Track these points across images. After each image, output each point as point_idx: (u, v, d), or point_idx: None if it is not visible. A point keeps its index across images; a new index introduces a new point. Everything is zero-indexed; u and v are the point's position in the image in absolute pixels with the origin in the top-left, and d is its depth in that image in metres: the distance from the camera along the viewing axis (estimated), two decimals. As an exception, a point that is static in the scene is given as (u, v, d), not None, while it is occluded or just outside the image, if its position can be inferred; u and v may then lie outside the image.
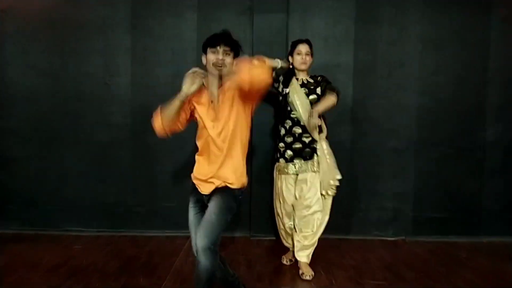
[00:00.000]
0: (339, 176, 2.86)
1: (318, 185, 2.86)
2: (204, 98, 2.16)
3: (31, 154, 3.70)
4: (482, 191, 3.61)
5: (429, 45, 3.55)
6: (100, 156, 3.69)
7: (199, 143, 2.22)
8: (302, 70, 2.93)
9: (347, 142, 3.58)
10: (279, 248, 3.24)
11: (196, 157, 2.26)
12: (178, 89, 3.50)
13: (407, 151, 3.60)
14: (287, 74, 2.94)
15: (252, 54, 3.53)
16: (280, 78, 2.95)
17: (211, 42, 2.08)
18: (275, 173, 3.07)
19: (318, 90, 2.91)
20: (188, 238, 3.54)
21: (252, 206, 3.62)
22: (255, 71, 1.90)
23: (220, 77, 2.10)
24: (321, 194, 2.87)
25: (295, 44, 2.95)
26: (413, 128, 3.59)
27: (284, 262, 3.08)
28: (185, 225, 3.57)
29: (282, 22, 3.53)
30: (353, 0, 3.53)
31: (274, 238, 3.56)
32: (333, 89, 2.85)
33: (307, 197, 2.85)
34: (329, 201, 2.93)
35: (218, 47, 2.06)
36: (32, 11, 3.63)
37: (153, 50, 3.63)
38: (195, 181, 2.21)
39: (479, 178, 3.61)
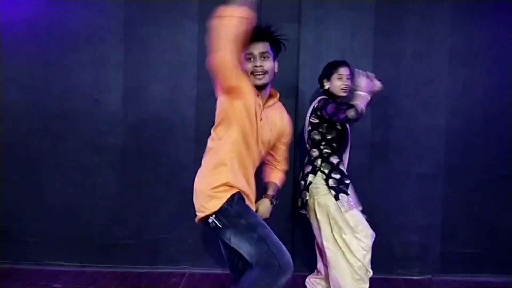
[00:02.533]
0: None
1: None
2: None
3: (8, 178, 3.29)
4: (520, 225, 3.21)
5: (459, 60, 3.20)
6: (85, 182, 3.29)
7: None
8: (343, 97, 2.59)
9: (366, 168, 3.19)
10: None
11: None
12: (175, 107, 3.21)
13: (435, 179, 3.22)
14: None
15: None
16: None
17: (252, 38, 1.75)
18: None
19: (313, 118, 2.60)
20: (185, 275, 3.19)
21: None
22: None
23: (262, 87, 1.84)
24: None
25: (332, 66, 2.61)
26: (442, 153, 3.21)
27: None
28: (181, 260, 3.25)
29: (294, 33, 3.17)
30: (373, 10, 3.19)
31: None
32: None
33: None
34: None
35: (254, 52, 1.79)
36: (13, 19, 3.26)
37: (148, 63, 3.26)
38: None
39: (516, 209, 3.21)
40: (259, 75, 1.77)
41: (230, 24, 1.61)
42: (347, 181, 2.52)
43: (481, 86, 3.22)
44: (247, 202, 1.89)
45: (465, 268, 3.22)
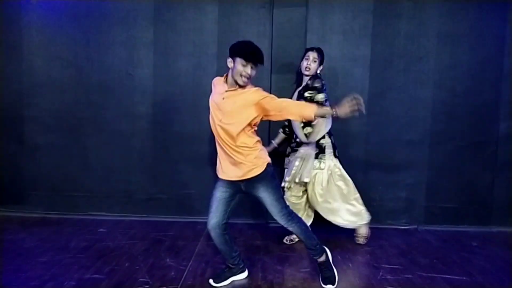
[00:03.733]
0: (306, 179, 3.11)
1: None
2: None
3: (55, 142, 3.84)
4: (494, 183, 3.71)
5: (446, 40, 3.63)
6: (122, 145, 3.82)
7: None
8: (306, 76, 3.11)
9: (363, 134, 3.68)
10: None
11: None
12: (198, 81, 3.66)
13: (422, 144, 3.70)
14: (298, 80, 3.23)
15: (271, 47, 3.64)
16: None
17: (246, 57, 2.26)
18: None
19: (307, 93, 3.09)
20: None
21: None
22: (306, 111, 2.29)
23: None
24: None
25: (305, 50, 3.17)
26: (428, 122, 3.69)
27: (284, 241, 3.30)
28: (204, 211, 3.76)
29: (301, 16, 3.62)
30: (371, -6, 3.60)
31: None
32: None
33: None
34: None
35: (249, 63, 2.28)
36: (57, 2, 3.74)
37: (174, 43, 3.74)
38: None
39: (491, 170, 3.71)
40: (247, 78, 2.29)
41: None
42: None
43: (464, 64, 3.66)
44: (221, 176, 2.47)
45: (446, 220, 3.73)
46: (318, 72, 3.14)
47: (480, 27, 3.63)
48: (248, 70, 2.28)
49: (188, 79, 3.76)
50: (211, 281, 2.54)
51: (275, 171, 2.54)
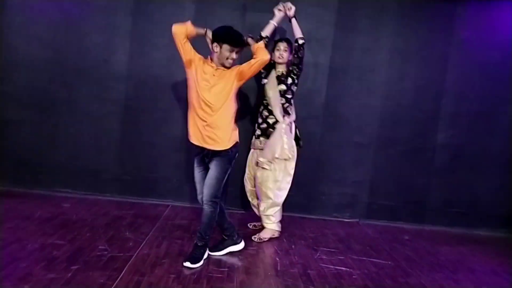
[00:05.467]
0: (277, 154, 3.23)
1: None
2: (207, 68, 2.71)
3: (26, 118, 3.97)
4: (429, 186, 4.16)
5: (397, 56, 4.06)
6: (92, 126, 4.01)
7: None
8: (280, 63, 3.37)
9: (317, 134, 4.04)
10: (250, 220, 3.69)
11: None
12: (172, 72, 3.90)
13: (368, 146, 4.11)
14: (269, 66, 3.37)
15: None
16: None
17: (233, 43, 2.59)
18: (251, 148, 3.52)
19: (289, 80, 3.34)
20: (168, 206, 3.98)
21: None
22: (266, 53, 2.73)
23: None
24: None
25: (275, 42, 3.43)
26: (375, 127, 4.10)
27: (249, 226, 3.61)
28: (166, 194, 4.04)
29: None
30: (335, 9, 3.98)
31: (244, 211, 4.01)
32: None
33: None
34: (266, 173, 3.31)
35: (236, 48, 2.62)
36: (41, -14, 3.89)
37: (151, 34, 3.96)
38: None
39: (428, 175, 4.15)
40: (231, 61, 2.65)
41: None
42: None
43: (412, 78, 4.10)
44: (197, 143, 2.73)
45: (385, 215, 4.15)
46: (290, 60, 3.39)
47: (427, 47, 4.07)
48: (234, 55, 2.62)
49: (161, 70, 3.98)
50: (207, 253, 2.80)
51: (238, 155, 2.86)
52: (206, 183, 2.68)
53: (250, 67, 2.71)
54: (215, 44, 2.64)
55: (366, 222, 4.11)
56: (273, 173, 3.27)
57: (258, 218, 3.47)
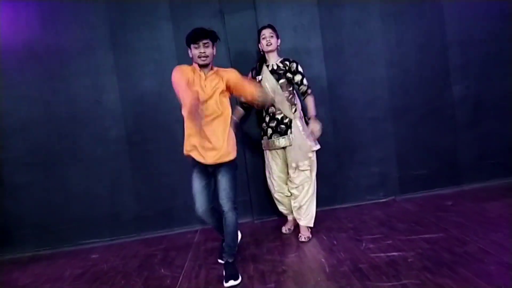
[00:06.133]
0: (314, 148, 3.18)
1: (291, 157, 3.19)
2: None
3: (34, 179, 3.88)
4: (457, 145, 3.94)
5: (390, 20, 3.86)
6: (101, 170, 3.89)
7: None
8: (270, 52, 3.21)
9: (329, 119, 3.83)
10: (283, 225, 3.51)
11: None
12: (164, 96, 3.77)
13: (385, 119, 3.90)
14: (259, 62, 3.28)
15: (229, 52, 3.79)
16: (256, 67, 3.31)
17: (193, 39, 2.55)
18: (264, 149, 3.39)
19: (289, 74, 3.20)
20: (197, 231, 3.83)
21: (251, 191, 3.88)
22: (256, 91, 2.69)
23: (205, 65, 2.59)
24: (295, 167, 3.18)
25: (259, 31, 3.28)
26: (386, 98, 3.89)
27: (284, 231, 3.42)
28: (192, 220, 3.89)
29: (252, 18, 3.79)
30: (314, -14, 3.80)
31: (276, 217, 3.82)
32: (308, 88, 3.20)
33: (292, 172, 3.23)
34: (313, 162, 3.23)
35: (199, 42, 2.53)
36: (15, 45, 3.81)
37: (136, 64, 3.86)
38: None
39: (453, 133, 3.93)
40: (203, 57, 2.54)
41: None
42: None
43: (411, 39, 3.89)
44: (198, 158, 2.62)
45: (420, 186, 3.93)
46: (278, 45, 3.26)
47: (418, 2, 3.87)
48: (201, 49, 2.54)
49: (154, 97, 3.86)
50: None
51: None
52: (223, 191, 2.59)
53: (240, 81, 2.67)
54: (189, 51, 2.63)
55: (403, 198, 3.90)
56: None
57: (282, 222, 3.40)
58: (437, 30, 3.90)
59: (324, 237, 3.14)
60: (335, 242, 3.00)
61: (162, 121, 3.86)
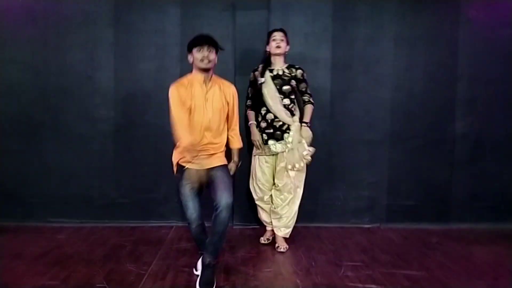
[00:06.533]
0: (311, 149, 3.13)
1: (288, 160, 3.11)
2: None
3: (12, 148, 3.69)
4: (452, 181, 3.82)
5: (403, 43, 3.74)
6: (83, 149, 3.72)
7: None
8: (278, 55, 3.11)
9: (326, 134, 3.72)
10: (261, 235, 3.37)
11: None
12: (160, 83, 3.59)
13: (382, 143, 3.77)
14: (264, 65, 3.19)
15: (234, 50, 3.64)
16: (258, 68, 3.21)
17: (198, 42, 2.50)
18: (253, 154, 3.28)
19: (293, 81, 3.14)
20: (172, 228, 3.67)
21: (234, 198, 3.69)
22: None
23: (205, 71, 2.54)
24: (290, 169, 3.10)
25: (269, 33, 3.19)
26: (387, 122, 3.77)
27: (262, 241, 3.31)
28: (169, 215, 3.73)
29: (264, 19, 3.64)
30: (331, -1, 3.69)
31: (256, 226, 3.67)
32: (310, 97, 3.18)
33: (278, 176, 3.16)
34: (302, 175, 3.18)
35: (203, 46, 2.48)
36: (13, 4, 3.62)
37: (136, 45, 3.69)
38: None
39: (449, 168, 3.82)
40: (206, 61, 2.49)
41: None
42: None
43: (421, 65, 3.77)
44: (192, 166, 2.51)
45: (407, 217, 3.80)
46: (286, 51, 3.18)
47: (434, 31, 3.75)
48: (205, 52, 2.48)
49: (150, 82, 3.70)
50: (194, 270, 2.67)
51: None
52: (222, 186, 2.43)
53: (234, 114, 2.72)
54: (189, 56, 2.58)
55: (388, 226, 3.77)
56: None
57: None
58: (449, 61, 3.78)
59: (303, 256, 2.99)
60: (313, 264, 2.86)
61: (154, 107, 3.69)
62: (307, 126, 3.14)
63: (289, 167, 3.09)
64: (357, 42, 3.73)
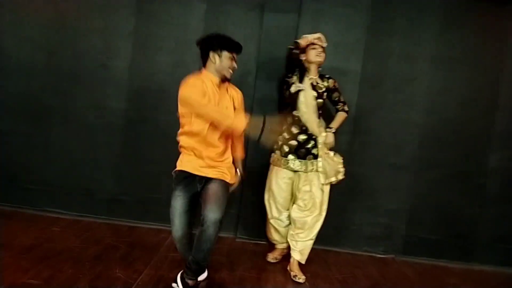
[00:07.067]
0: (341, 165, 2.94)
1: (316, 183, 2.88)
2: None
3: (17, 129, 3.55)
4: (480, 218, 3.51)
5: (440, 64, 3.46)
6: (89, 139, 3.54)
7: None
8: (316, 64, 2.90)
9: (346, 153, 3.40)
10: (265, 252, 3.13)
11: None
12: (177, 79, 3.40)
13: (407, 169, 3.49)
14: (300, 71, 2.94)
15: (259, 51, 3.42)
16: (296, 74, 2.96)
17: (233, 48, 2.37)
18: (271, 164, 3.06)
19: (327, 93, 2.96)
20: (171, 232, 3.43)
21: (242, 208, 3.49)
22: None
23: (225, 78, 2.43)
24: (326, 183, 2.91)
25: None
26: (415, 146, 3.49)
27: (269, 259, 3.07)
28: (169, 218, 3.48)
29: (293, 23, 3.41)
30: (368, 9, 3.44)
31: (261, 241, 3.43)
32: (345, 105, 3.02)
33: (304, 198, 2.89)
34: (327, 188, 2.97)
35: (234, 54, 2.38)
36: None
37: (156, 36, 3.50)
38: None
39: (478, 204, 3.51)
40: (232, 71, 2.42)
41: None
42: None
43: (458, 90, 3.48)
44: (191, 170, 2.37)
45: (425, 252, 3.51)
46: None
47: (477, 54, 3.46)
48: (234, 63, 2.41)
49: (167, 76, 3.51)
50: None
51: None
52: (212, 199, 2.20)
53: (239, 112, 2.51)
54: (212, 54, 2.36)
55: (403, 259, 3.47)
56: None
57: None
58: (488, 88, 3.49)
59: (307, 284, 2.73)
60: (317, 294, 2.60)
61: (167, 104, 3.47)
62: (332, 132, 2.95)
63: (326, 181, 2.88)
64: (391, 57, 3.46)
